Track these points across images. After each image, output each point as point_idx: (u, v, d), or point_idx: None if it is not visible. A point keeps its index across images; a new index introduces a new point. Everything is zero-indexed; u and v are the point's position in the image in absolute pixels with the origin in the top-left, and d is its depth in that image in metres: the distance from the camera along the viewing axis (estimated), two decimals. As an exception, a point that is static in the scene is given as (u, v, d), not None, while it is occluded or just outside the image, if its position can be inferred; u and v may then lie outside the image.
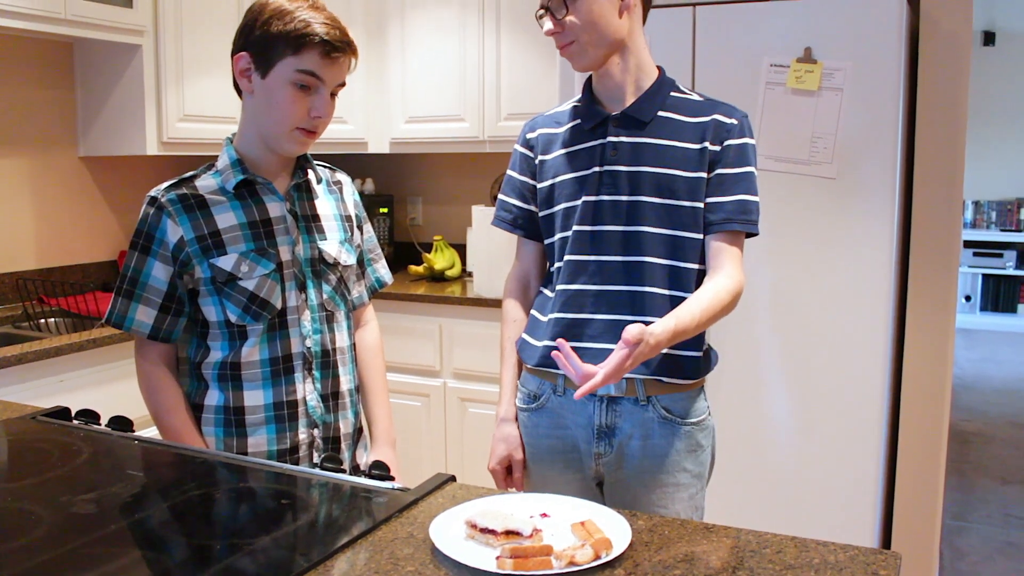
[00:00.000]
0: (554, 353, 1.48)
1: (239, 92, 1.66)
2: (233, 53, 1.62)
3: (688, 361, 1.69)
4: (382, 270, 1.95)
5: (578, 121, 1.75)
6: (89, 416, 1.65)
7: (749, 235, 1.70)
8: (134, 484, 1.42)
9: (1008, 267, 8.16)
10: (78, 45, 3.28)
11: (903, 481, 2.73)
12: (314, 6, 1.60)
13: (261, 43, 1.58)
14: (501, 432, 1.83)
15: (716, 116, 1.68)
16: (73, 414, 1.67)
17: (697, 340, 1.69)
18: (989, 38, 8.17)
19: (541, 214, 1.79)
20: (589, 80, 1.76)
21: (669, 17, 2.73)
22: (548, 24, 1.65)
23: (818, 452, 2.66)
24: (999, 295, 8.31)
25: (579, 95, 1.79)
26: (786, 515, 2.70)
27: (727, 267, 1.65)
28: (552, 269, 1.79)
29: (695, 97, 1.73)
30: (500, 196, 1.87)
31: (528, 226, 1.83)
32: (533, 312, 1.82)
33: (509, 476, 1.83)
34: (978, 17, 7.47)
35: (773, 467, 2.72)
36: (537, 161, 1.80)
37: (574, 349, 1.57)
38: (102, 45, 3.15)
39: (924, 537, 2.72)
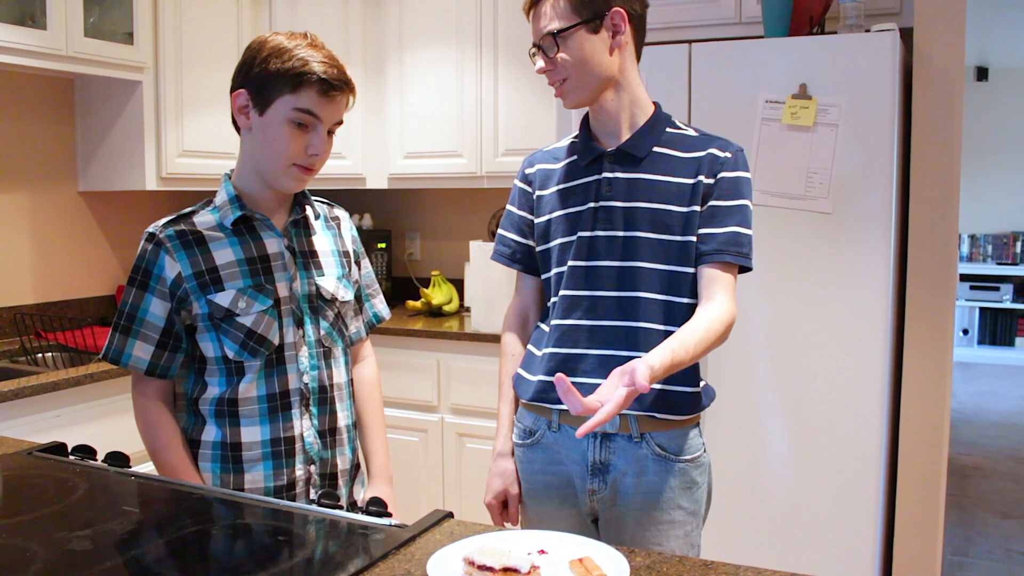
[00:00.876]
0: (556, 379, 1.37)
1: (237, 129, 1.67)
2: (232, 90, 1.64)
3: (682, 397, 1.68)
4: (380, 305, 1.95)
5: (574, 157, 1.76)
6: (86, 451, 1.64)
7: (743, 270, 1.69)
8: (130, 520, 1.42)
9: (1005, 300, 8.18)
10: (79, 81, 3.31)
11: (903, 516, 2.71)
12: (313, 44, 1.61)
13: (259, 81, 1.59)
14: (497, 467, 1.82)
15: (711, 150, 1.69)
16: (70, 449, 1.66)
17: (692, 375, 1.68)
18: (982, 73, 8.25)
19: (538, 249, 1.80)
20: (587, 116, 1.77)
21: (665, 54, 2.76)
22: (540, 62, 1.67)
23: (817, 486, 2.65)
24: (996, 328, 8.32)
25: (577, 131, 1.80)
26: (785, 551, 2.69)
27: (718, 297, 1.63)
28: (549, 304, 1.79)
29: (691, 132, 1.73)
30: (499, 231, 1.88)
31: (526, 261, 1.84)
32: (529, 346, 1.82)
33: (505, 510, 1.82)
34: (971, 53, 7.54)
35: (772, 502, 2.70)
36: (535, 196, 1.81)
37: None
38: (103, 81, 3.18)
39: (925, 572, 2.70)
